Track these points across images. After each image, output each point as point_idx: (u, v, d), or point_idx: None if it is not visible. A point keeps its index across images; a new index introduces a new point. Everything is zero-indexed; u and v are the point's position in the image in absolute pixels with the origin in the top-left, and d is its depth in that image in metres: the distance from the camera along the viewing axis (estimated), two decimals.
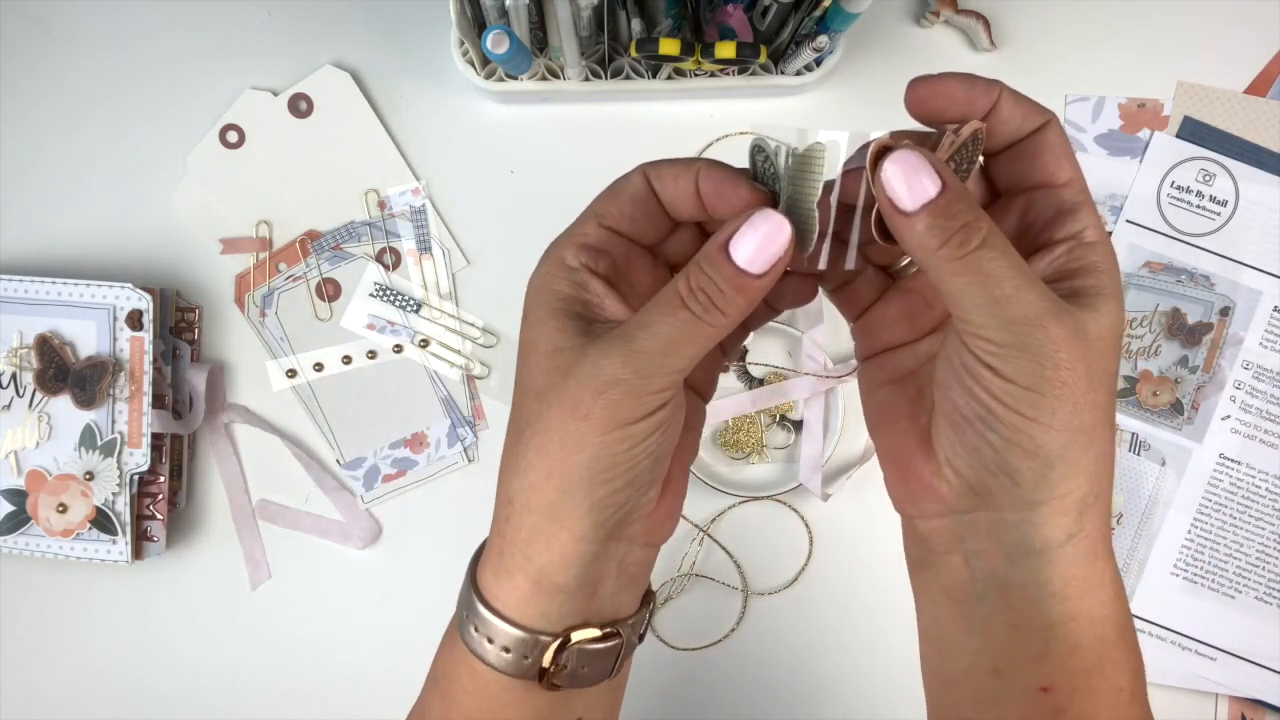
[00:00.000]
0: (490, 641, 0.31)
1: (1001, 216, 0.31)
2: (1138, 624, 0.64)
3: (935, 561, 0.31)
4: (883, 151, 0.28)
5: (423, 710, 0.35)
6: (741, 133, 0.65)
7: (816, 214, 0.28)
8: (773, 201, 0.29)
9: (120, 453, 0.59)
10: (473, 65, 0.61)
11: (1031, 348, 0.27)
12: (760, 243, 0.28)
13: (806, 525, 0.64)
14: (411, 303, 0.64)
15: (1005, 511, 0.29)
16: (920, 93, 0.29)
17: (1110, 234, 0.65)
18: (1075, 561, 0.29)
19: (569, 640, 0.31)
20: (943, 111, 0.29)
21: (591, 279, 0.31)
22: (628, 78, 0.62)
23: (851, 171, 0.30)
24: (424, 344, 0.64)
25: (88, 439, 0.59)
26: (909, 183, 0.27)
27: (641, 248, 0.32)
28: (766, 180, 0.30)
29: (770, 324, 0.62)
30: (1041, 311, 0.26)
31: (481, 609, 0.31)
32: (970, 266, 0.27)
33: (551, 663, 0.31)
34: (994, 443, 0.28)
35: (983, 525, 0.29)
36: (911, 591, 0.33)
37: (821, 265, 0.30)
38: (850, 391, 0.64)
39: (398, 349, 0.64)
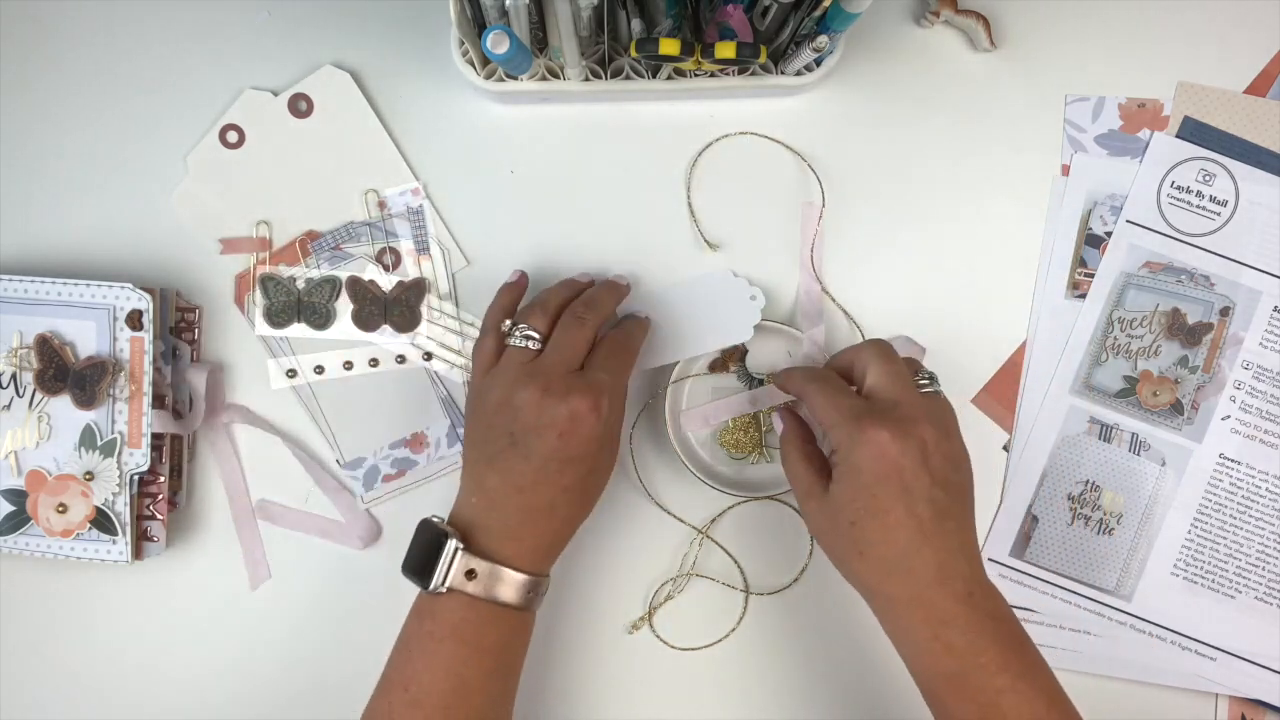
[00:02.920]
0: (531, 593, 0.51)
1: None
2: (1137, 623, 0.64)
3: None
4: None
5: (454, 662, 0.50)
6: (741, 132, 0.65)
7: None
8: None
9: (120, 453, 0.59)
10: (473, 65, 0.61)
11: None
12: None
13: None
14: None
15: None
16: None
17: (1114, 250, 0.65)
18: (891, 610, 0.51)
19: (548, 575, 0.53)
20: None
21: None
22: (628, 78, 0.62)
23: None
24: (428, 357, 0.64)
25: (88, 439, 0.59)
26: (779, 424, 0.58)
27: None
28: None
29: (770, 324, 0.63)
30: (809, 485, 0.53)
31: (542, 579, 0.52)
32: (784, 463, 0.56)
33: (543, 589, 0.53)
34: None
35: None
36: None
37: None
38: None
39: (400, 359, 0.64)
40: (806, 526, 0.53)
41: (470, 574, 0.49)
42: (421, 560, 0.50)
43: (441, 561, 0.49)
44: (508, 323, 0.54)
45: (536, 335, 0.53)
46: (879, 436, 0.47)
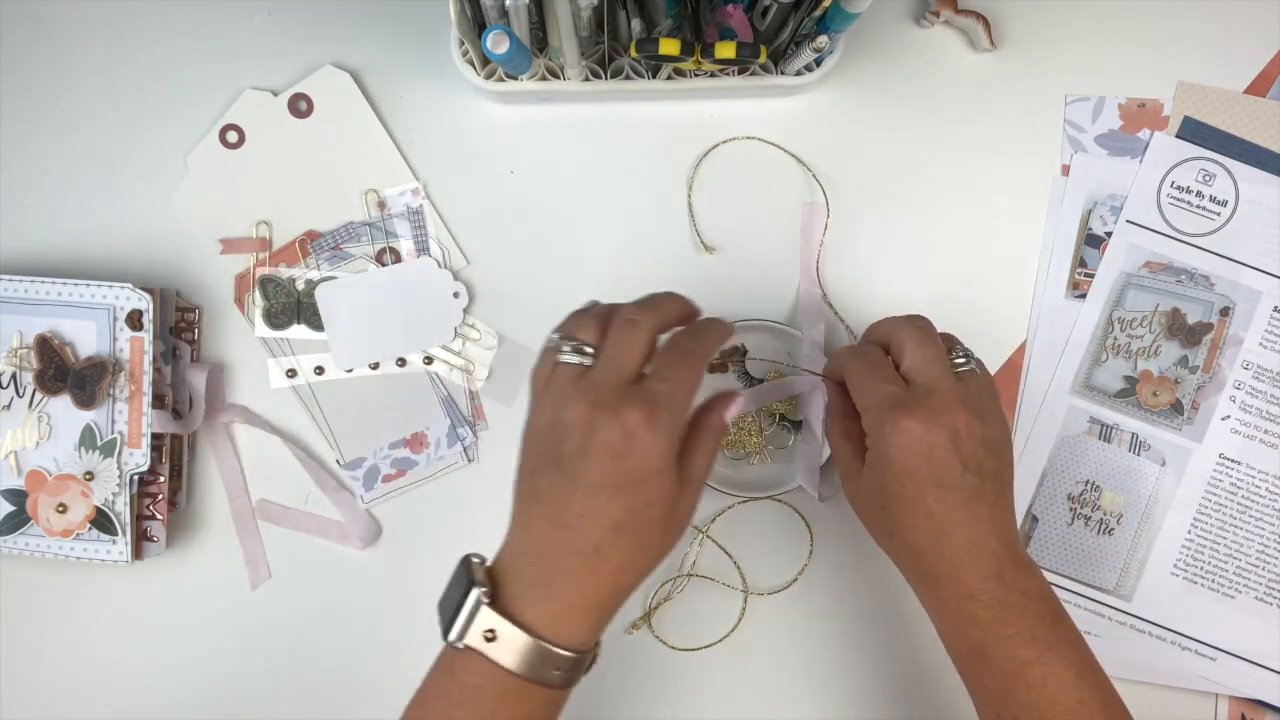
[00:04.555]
0: (556, 669, 0.43)
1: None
2: (1138, 623, 0.64)
3: None
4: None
5: None
6: (749, 137, 0.65)
7: None
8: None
9: (120, 453, 0.59)
10: (473, 65, 0.61)
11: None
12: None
13: (807, 525, 0.64)
14: None
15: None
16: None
17: (1108, 237, 0.65)
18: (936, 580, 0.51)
19: (598, 644, 0.46)
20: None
21: None
22: (628, 78, 0.62)
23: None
24: (428, 360, 0.64)
25: (88, 439, 0.59)
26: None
27: None
28: None
29: (770, 324, 0.63)
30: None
31: (558, 651, 0.42)
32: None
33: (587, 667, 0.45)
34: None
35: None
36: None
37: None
38: None
39: (401, 362, 0.64)
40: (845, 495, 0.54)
41: (490, 635, 0.41)
42: (451, 606, 0.43)
43: (462, 613, 0.42)
44: (554, 335, 0.47)
45: (587, 347, 0.45)
46: (910, 428, 0.47)
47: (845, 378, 0.53)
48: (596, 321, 0.46)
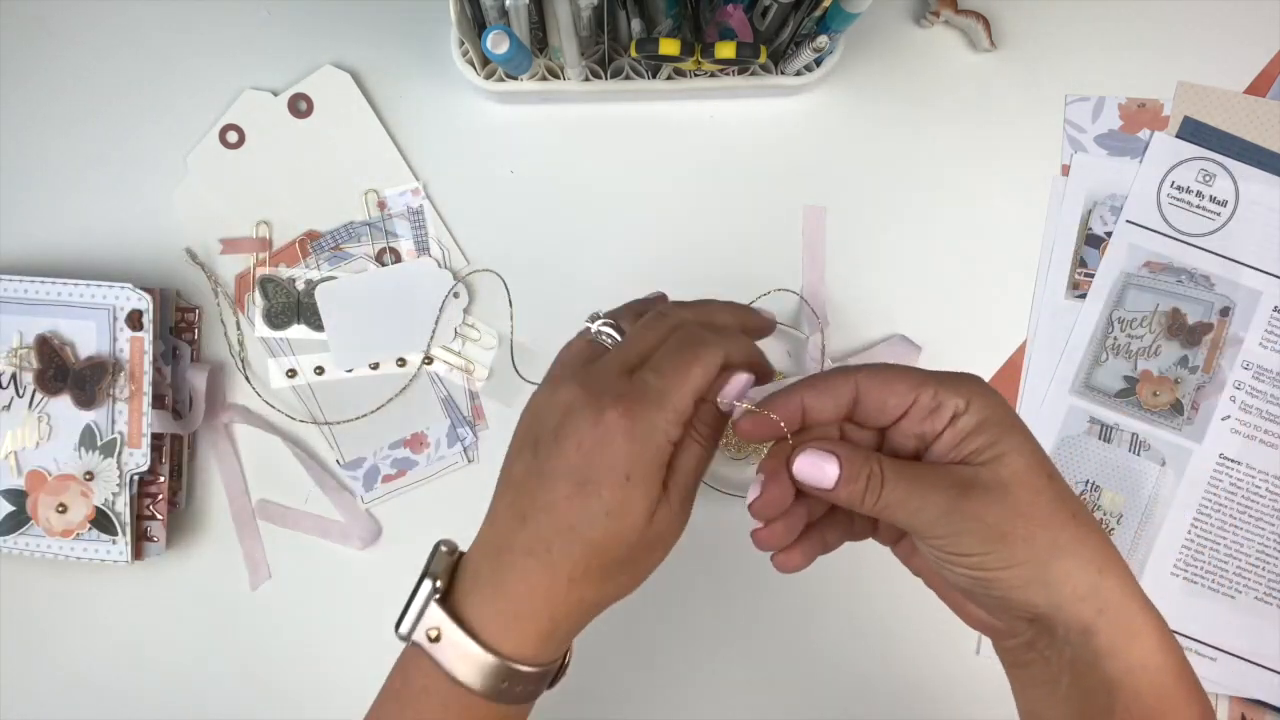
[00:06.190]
0: (504, 682, 0.37)
1: (900, 440, 0.38)
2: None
3: (1022, 662, 0.37)
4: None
5: None
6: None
7: None
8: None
9: (120, 453, 0.59)
10: (473, 65, 0.61)
11: (965, 528, 0.34)
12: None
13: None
14: None
15: (1049, 623, 0.35)
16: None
17: (1105, 238, 0.65)
18: (1112, 625, 0.35)
19: (565, 661, 0.41)
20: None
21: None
22: (628, 78, 0.62)
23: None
24: (428, 360, 0.64)
25: (88, 439, 0.59)
26: (818, 473, 0.36)
27: None
28: None
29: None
30: (950, 502, 0.34)
31: (520, 668, 0.38)
32: (885, 506, 0.36)
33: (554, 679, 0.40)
34: (999, 597, 0.35)
35: (1041, 634, 0.36)
36: (1009, 681, 0.39)
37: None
38: None
39: (401, 363, 0.64)
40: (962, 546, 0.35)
41: (434, 633, 0.37)
42: (411, 594, 0.39)
43: (412, 607, 0.38)
44: (593, 313, 0.43)
45: (614, 332, 0.41)
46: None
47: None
48: (637, 313, 0.42)
